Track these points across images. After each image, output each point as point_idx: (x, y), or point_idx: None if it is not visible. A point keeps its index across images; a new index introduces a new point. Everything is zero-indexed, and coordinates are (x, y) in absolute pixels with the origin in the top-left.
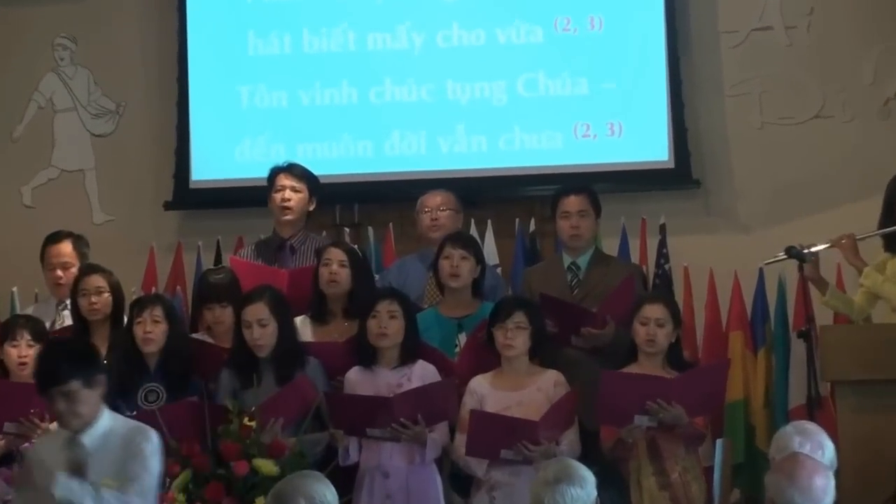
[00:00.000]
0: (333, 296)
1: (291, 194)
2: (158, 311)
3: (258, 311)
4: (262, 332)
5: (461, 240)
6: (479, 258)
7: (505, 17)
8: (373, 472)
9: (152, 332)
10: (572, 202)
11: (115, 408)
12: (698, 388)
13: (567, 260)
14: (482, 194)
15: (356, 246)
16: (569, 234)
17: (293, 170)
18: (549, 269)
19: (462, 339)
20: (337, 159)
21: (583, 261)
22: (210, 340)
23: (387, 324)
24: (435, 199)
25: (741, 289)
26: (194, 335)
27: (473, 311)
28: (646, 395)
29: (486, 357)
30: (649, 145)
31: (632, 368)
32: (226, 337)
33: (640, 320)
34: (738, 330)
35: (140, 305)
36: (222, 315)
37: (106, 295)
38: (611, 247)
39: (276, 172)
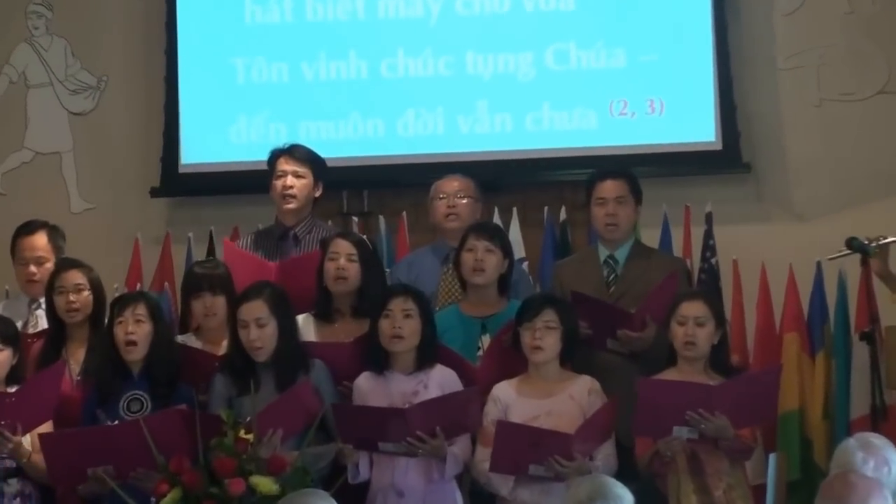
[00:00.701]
0: (341, 293)
1: (294, 180)
2: (142, 310)
3: (256, 310)
4: (261, 333)
5: (487, 230)
6: (507, 251)
7: None
8: (386, 491)
9: (135, 332)
10: (609, 187)
11: (94, 418)
12: (746, 395)
13: (603, 253)
14: (507, 179)
15: (366, 236)
16: (605, 223)
17: (296, 152)
18: (583, 263)
19: (486, 341)
20: (344, 140)
21: (620, 254)
22: (199, 346)
23: (401, 324)
24: (452, 185)
25: (797, 285)
26: (181, 337)
27: (499, 310)
28: (685, 404)
29: (512, 361)
30: (694, 125)
31: (670, 374)
32: (219, 332)
33: (678, 320)
34: (794, 331)
35: (121, 304)
36: (214, 305)
37: (86, 293)
38: (651, 238)
39: (276, 156)
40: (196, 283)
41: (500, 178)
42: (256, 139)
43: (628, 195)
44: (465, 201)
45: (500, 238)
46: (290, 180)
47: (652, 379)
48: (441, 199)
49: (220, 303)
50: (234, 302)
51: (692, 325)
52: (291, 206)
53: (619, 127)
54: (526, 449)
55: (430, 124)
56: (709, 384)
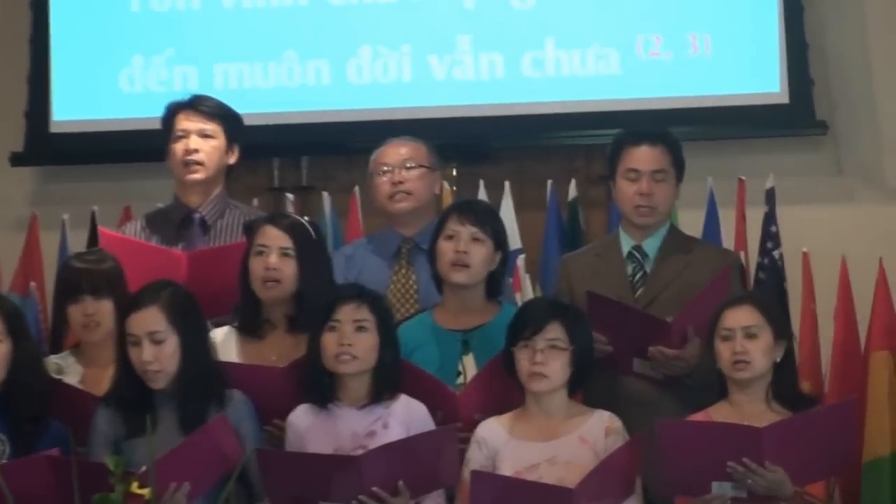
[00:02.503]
0: (272, 299)
1: (200, 141)
2: None
3: (149, 321)
4: (157, 351)
5: (474, 211)
6: (500, 241)
7: None
8: None
9: None
10: (645, 156)
11: None
12: (810, 438)
13: (627, 243)
14: (497, 143)
15: (307, 219)
16: (636, 204)
17: (201, 105)
18: (600, 256)
19: (468, 362)
20: (275, 90)
21: (651, 245)
22: (78, 368)
23: (352, 339)
24: (397, 152)
25: (889, 286)
26: (54, 357)
27: (487, 319)
28: (726, 452)
29: (504, 391)
30: (751, 71)
31: (721, 410)
32: (105, 350)
33: (721, 334)
34: (885, 348)
35: None
36: (98, 312)
37: None
38: (691, 222)
39: (174, 111)
40: (73, 282)
41: (487, 142)
42: (156, 88)
43: (670, 168)
44: (415, 172)
45: (492, 223)
46: (193, 141)
47: (674, 421)
48: (383, 172)
49: (105, 309)
50: (122, 311)
51: (741, 337)
52: (196, 175)
53: (649, 72)
54: None
55: (392, 68)
56: (754, 427)
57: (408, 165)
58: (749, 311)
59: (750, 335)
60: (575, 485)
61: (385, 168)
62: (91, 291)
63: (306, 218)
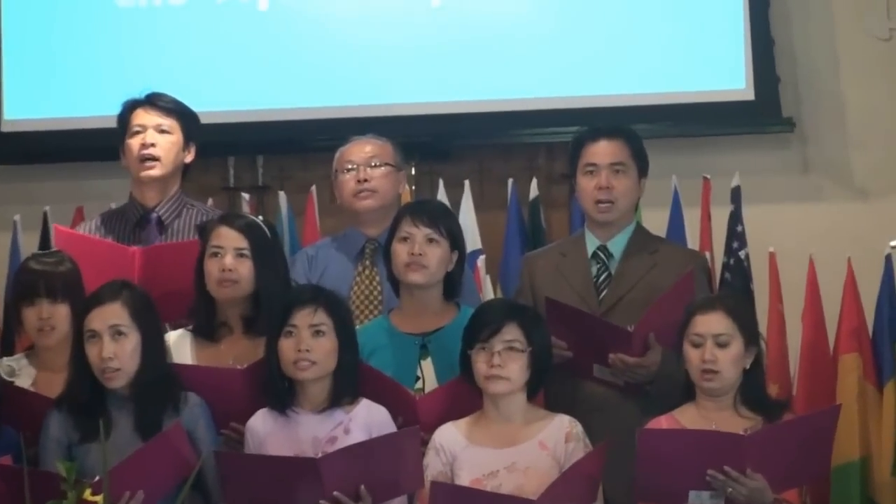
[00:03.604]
0: (227, 301)
1: (156, 136)
2: None
3: (112, 315)
4: (118, 347)
5: (428, 212)
6: (457, 242)
7: None
8: None
9: None
10: (602, 150)
11: None
12: (790, 446)
13: (592, 242)
14: (456, 141)
15: (261, 218)
16: (595, 199)
17: (158, 101)
18: (565, 255)
19: (427, 366)
20: (229, 87)
21: (616, 244)
22: (31, 371)
23: (310, 344)
24: (362, 150)
25: (857, 287)
26: (6, 360)
27: (446, 322)
28: (706, 460)
29: (465, 395)
30: (717, 67)
31: (686, 414)
32: (60, 354)
33: (691, 339)
34: (853, 351)
35: None
36: (54, 316)
37: None
38: (656, 221)
39: (131, 106)
40: (29, 284)
41: (446, 140)
42: (109, 86)
43: (629, 161)
44: (380, 171)
45: (446, 222)
46: (150, 136)
47: (656, 430)
48: (348, 170)
49: (61, 313)
50: (80, 309)
51: (711, 345)
52: (153, 171)
53: (612, 68)
54: None
55: (349, 65)
56: (738, 434)
57: (373, 163)
58: (720, 318)
59: (720, 344)
60: (537, 494)
61: (350, 166)
62: (48, 294)
63: (261, 218)
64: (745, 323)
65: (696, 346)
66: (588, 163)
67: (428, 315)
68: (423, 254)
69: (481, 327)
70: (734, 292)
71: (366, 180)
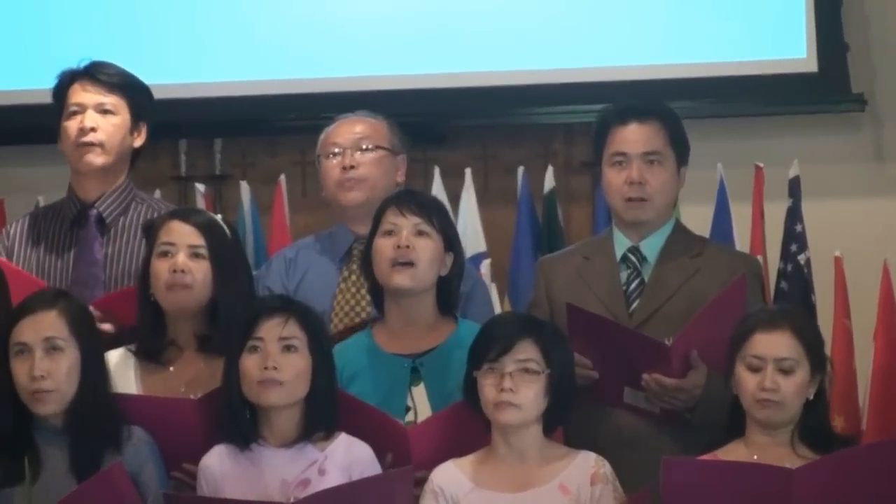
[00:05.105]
0: (179, 311)
1: (97, 118)
2: None
3: (47, 326)
4: (52, 364)
5: (414, 200)
6: (450, 240)
7: None
8: None
9: None
10: (633, 136)
11: None
12: (850, 482)
13: (622, 244)
14: (456, 121)
15: (220, 217)
16: (625, 196)
17: (100, 73)
18: (589, 259)
19: (419, 394)
20: (182, 58)
21: (652, 246)
22: None
23: (278, 361)
24: (350, 130)
25: None
26: None
27: (441, 339)
28: (749, 498)
29: (467, 427)
30: (772, 33)
31: (735, 451)
32: None
33: (748, 361)
34: None
35: None
36: None
37: None
38: (698, 219)
39: (68, 80)
40: None
41: (443, 121)
42: (41, 58)
43: (666, 149)
44: (371, 156)
45: (438, 214)
46: (89, 118)
47: (684, 459)
48: (333, 155)
49: None
50: (5, 320)
51: (773, 370)
52: (93, 159)
53: (645, 36)
54: None
55: (327, 32)
56: (786, 468)
57: (363, 146)
58: (786, 338)
59: (784, 370)
60: None
61: (335, 149)
62: None
63: (220, 216)
64: (813, 345)
65: (754, 369)
66: (616, 151)
67: (419, 331)
68: (410, 246)
69: (490, 345)
70: (795, 305)
71: (353, 167)
